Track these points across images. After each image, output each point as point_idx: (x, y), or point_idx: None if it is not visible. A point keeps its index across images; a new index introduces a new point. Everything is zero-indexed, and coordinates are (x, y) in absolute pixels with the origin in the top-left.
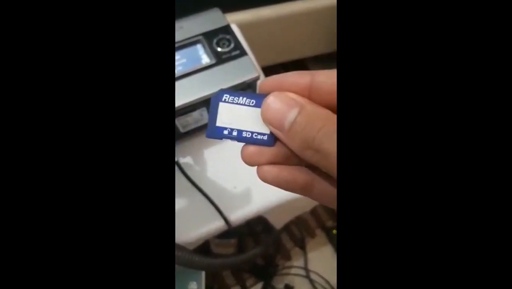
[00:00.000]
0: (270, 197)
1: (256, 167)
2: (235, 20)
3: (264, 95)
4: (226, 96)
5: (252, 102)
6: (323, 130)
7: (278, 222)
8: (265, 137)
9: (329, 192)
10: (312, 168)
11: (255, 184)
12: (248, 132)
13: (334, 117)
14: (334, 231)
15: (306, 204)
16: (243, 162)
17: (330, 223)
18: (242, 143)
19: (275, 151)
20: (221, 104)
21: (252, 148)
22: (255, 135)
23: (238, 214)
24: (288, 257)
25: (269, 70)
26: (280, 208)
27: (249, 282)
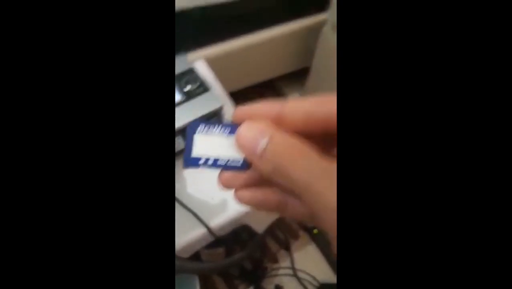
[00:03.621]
0: None
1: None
2: (205, 54)
3: (237, 124)
4: (200, 127)
5: (226, 130)
6: (291, 158)
7: (259, 226)
8: (239, 163)
9: (301, 210)
10: (284, 188)
11: (230, 192)
12: (223, 160)
13: (301, 144)
14: (315, 231)
15: None
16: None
17: (311, 224)
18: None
19: (249, 174)
20: (195, 135)
21: (227, 174)
22: (230, 162)
23: (219, 221)
24: (275, 259)
25: (241, 94)
26: (257, 212)
27: (241, 287)
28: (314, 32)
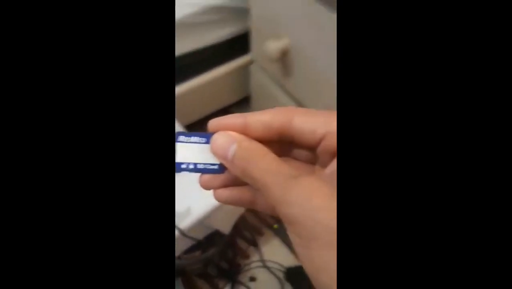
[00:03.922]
0: (207, 203)
1: (211, 191)
2: None
3: (211, 134)
4: (181, 137)
5: (203, 140)
6: (253, 161)
7: (225, 228)
8: (216, 167)
9: (267, 204)
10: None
11: (190, 197)
12: (201, 164)
13: (262, 148)
14: (275, 226)
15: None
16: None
17: (272, 221)
18: (198, 174)
19: (225, 176)
20: (178, 144)
21: (206, 176)
22: (208, 166)
23: (187, 223)
24: (246, 256)
25: (197, 124)
26: (217, 212)
27: (220, 284)
28: (246, 69)
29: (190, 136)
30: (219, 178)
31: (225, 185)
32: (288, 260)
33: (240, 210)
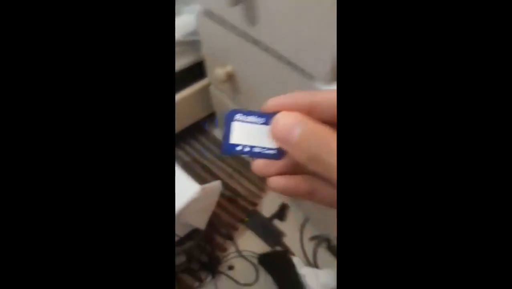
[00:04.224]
0: (179, 200)
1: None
2: None
3: (272, 114)
4: (238, 116)
5: (262, 120)
6: (324, 145)
7: (200, 224)
8: (274, 152)
9: (330, 197)
10: (315, 175)
11: None
12: (258, 148)
13: (333, 132)
14: (246, 220)
15: (207, 201)
16: None
17: (242, 216)
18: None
19: (282, 163)
20: (233, 123)
21: (262, 162)
22: (265, 151)
23: None
24: (224, 249)
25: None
26: (190, 207)
27: (203, 276)
28: (207, 89)
29: (248, 115)
30: (276, 164)
31: (281, 173)
32: (260, 248)
33: (212, 206)
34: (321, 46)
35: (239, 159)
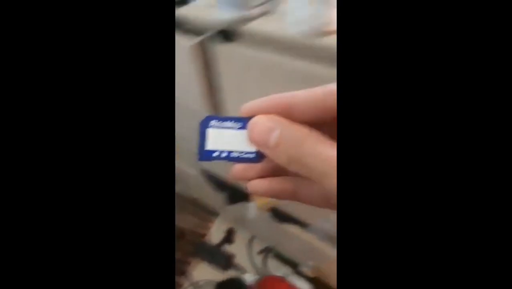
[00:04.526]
0: None
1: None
2: None
3: (248, 118)
4: (213, 122)
5: (238, 125)
6: (303, 146)
7: None
8: (253, 155)
9: (314, 196)
10: (297, 175)
11: None
12: (236, 153)
13: (311, 133)
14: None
15: None
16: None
17: (192, 249)
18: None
19: (262, 165)
20: (208, 130)
21: (241, 166)
22: (243, 154)
23: None
24: (179, 285)
25: None
26: None
27: None
28: None
29: (223, 120)
30: (255, 168)
31: (262, 175)
32: (214, 275)
33: None
34: None
35: (181, 197)
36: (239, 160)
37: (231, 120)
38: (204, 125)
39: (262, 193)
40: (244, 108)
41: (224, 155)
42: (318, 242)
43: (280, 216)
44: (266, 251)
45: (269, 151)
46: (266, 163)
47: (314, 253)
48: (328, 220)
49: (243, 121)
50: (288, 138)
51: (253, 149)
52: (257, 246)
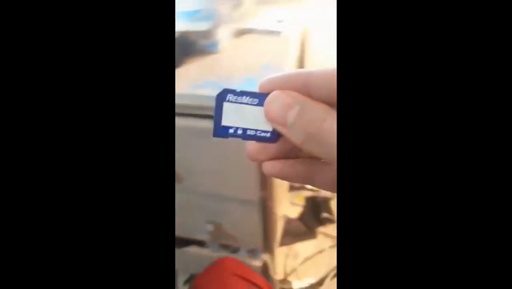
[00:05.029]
0: None
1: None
2: None
3: (266, 94)
4: (230, 96)
5: (255, 101)
6: (324, 124)
7: None
8: (268, 134)
9: (329, 179)
10: (313, 158)
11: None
12: (252, 130)
13: (332, 111)
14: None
15: None
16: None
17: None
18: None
19: (277, 146)
20: (225, 104)
21: (255, 146)
22: (259, 133)
23: None
24: None
25: None
26: None
27: None
28: None
29: (240, 95)
30: (271, 148)
31: (276, 157)
32: None
33: None
34: None
35: None
36: (254, 138)
37: (248, 96)
38: (220, 98)
39: (275, 175)
40: (261, 84)
41: (239, 132)
42: None
43: None
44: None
45: (285, 128)
46: (282, 143)
47: None
48: None
49: (260, 97)
50: (308, 115)
51: (269, 127)
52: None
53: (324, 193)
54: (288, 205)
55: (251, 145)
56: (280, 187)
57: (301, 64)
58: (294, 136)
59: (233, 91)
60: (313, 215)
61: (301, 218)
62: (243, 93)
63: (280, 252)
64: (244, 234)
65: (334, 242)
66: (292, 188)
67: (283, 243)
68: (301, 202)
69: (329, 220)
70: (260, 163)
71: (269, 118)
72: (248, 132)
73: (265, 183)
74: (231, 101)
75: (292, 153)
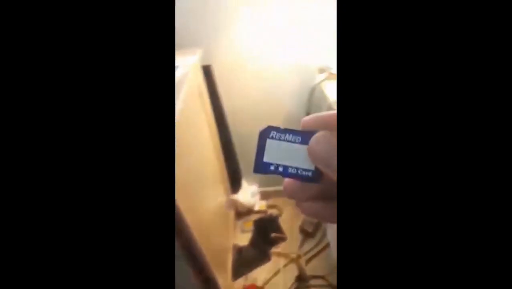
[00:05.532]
0: None
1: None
2: None
3: (310, 132)
4: (273, 133)
5: (298, 139)
6: None
7: None
8: (310, 174)
9: None
10: None
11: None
12: (293, 168)
13: None
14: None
15: None
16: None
17: None
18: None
19: (318, 187)
20: (268, 140)
21: (295, 184)
22: (301, 172)
23: None
24: None
25: None
26: None
27: None
28: None
29: (284, 133)
30: (311, 188)
31: (315, 197)
32: None
33: None
34: None
35: None
36: (295, 176)
37: (291, 134)
38: (264, 135)
39: (315, 216)
40: (305, 121)
41: (280, 169)
42: None
43: None
44: None
45: (330, 169)
46: (322, 184)
47: None
48: None
49: (303, 136)
50: None
51: (311, 166)
52: None
53: (270, 211)
54: (238, 233)
55: (291, 183)
56: (226, 219)
57: None
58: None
59: (276, 129)
60: (263, 238)
61: (252, 243)
62: (286, 131)
63: (238, 284)
64: None
65: (287, 259)
66: (239, 216)
67: (237, 276)
68: (250, 228)
69: (280, 238)
70: (296, 201)
71: (313, 157)
72: (290, 170)
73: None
74: (274, 138)
75: (331, 194)
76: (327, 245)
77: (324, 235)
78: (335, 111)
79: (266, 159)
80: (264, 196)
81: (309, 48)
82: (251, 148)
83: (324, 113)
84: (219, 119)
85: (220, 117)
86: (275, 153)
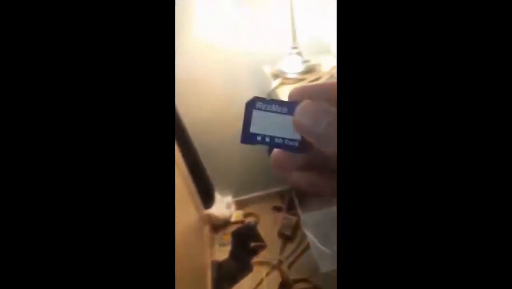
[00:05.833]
0: None
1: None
2: None
3: (295, 103)
4: (259, 104)
5: (284, 109)
6: None
7: None
8: (296, 144)
9: None
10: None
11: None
12: (280, 139)
13: None
14: None
15: None
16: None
17: None
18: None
19: (305, 156)
20: (254, 111)
21: (282, 154)
22: (287, 142)
23: None
24: None
25: None
26: None
27: None
28: None
29: (270, 104)
30: (298, 158)
31: (302, 167)
32: None
33: None
34: None
35: None
36: (281, 146)
37: (277, 104)
38: (250, 106)
39: (303, 186)
40: (292, 92)
41: (267, 140)
42: None
43: None
44: None
45: (316, 139)
46: (308, 154)
47: None
48: None
49: (289, 106)
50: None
51: (297, 136)
52: None
53: (248, 220)
54: (217, 247)
55: (278, 153)
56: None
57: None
58: (325, 147)
59: (262, 99)
60: (242, 248)
61: (232, 255)
62: (272, 101)
63: None
64: None
65: (269, 267)
66: (216, 230)
67: None
68: (229, 240)
69: (259, 246)
70: (281, 176)
71: (298, 127)
72: (276, 140)
73: None
74: (261, 109)
75: (320, 163)
76: (308, 246)
77: (303, 236)
78: (323, 82)
79: (252, 129)
80: (240, 205)
81: (263, 53)
82: (216, 156)
83: (311, 84)
84: (182, 138)
85: (183, 135)
86: (262, 123)
